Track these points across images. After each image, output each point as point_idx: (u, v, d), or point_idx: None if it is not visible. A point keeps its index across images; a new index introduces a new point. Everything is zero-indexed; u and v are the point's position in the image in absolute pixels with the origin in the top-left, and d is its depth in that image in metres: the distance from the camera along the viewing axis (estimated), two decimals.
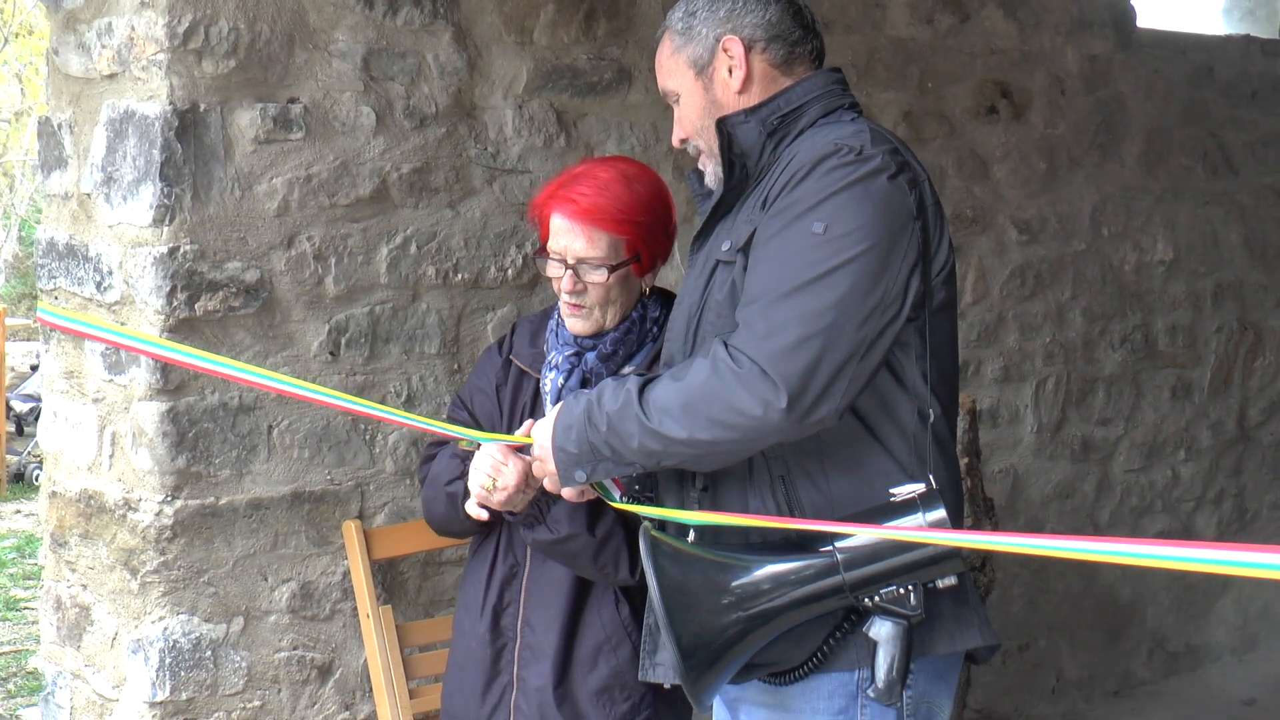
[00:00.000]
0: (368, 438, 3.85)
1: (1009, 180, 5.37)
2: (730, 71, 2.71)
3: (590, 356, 3.19)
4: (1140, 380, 5.86)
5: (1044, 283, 5.51)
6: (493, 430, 3.27)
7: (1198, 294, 6.03)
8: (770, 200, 2.57)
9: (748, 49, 2.71)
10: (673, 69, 2.78)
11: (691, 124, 2.78)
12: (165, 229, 3.51)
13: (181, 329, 3.53)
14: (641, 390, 2.56)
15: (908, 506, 2.45)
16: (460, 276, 3.98)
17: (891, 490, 2.49)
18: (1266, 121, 6.19)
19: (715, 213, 2.73)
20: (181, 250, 3.52)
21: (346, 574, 3.81)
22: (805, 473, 2.59)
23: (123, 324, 3.56)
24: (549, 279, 3.22)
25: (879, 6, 4.94)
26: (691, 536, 2.64)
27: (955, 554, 2.45)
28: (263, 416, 3.68)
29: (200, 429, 3.59)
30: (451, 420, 3.39)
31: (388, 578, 3.91)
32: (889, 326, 2.50)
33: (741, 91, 2.71)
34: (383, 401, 3.84)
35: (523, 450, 2.97)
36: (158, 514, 3.58)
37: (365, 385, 3.83)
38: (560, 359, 3.21)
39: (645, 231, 3.14)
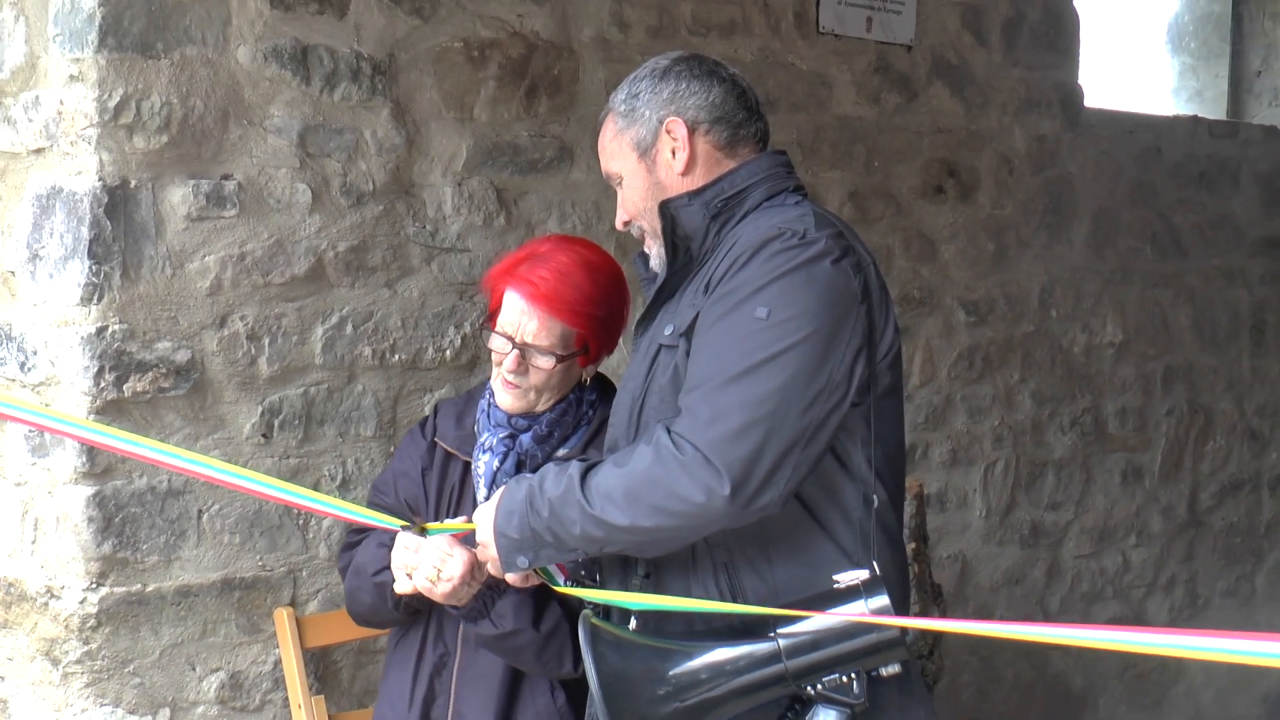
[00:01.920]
0: (300, 523, 3.85)
1: (956, 261, 5.46)
2: (674, 153, 2.76)
3: (525, 438, 3.21)
4: (1090, 464, 5.94)
5: (992, 365, 5.58)
6: (418, 516, 3.27)
7: (1147, 376, 6.12)
8: (713, 284, 2.61)
9: (691, 131, 2.76)
10: (615, 151, 2.83)
11: (635, 206, 2.82)
12: (93, 308, 3.52)
13: (109, 411, 3.53)
14: (584, 476, 2.58)
15: (850, 593, 2.48)
16: (397, 357, 4.01)
17: (835, 577, 2.52)
18: (1214, 203, 6.32)
19: (659, 296, 2.77)
20: (110, 330, 3.53)
21: (278, 663, 3.80)
22: (748, 560, 2.63)
23: (47, 404, 3.56)
24: (490, 350, 3.24)
25: (825, 85, 5.03)
26: (633, 624, 2.67)
27: (899, 641, 2.48)
28: (192, 501, 3.68)
29: (127, 514, 3.59)
30: (374, 507, 3.37)
31: (320, 667, 3.91)
32: (834, 412, 2.55)
33: (685, 173, 2.76)
34: (316, 486, 3.85)
35: (468, 540, 2.97)
36: (81, 602, 3.56)
37: (299, 468, 3.84)
38: (494, 441, 3.23)
39: (599, 326, 3.17)
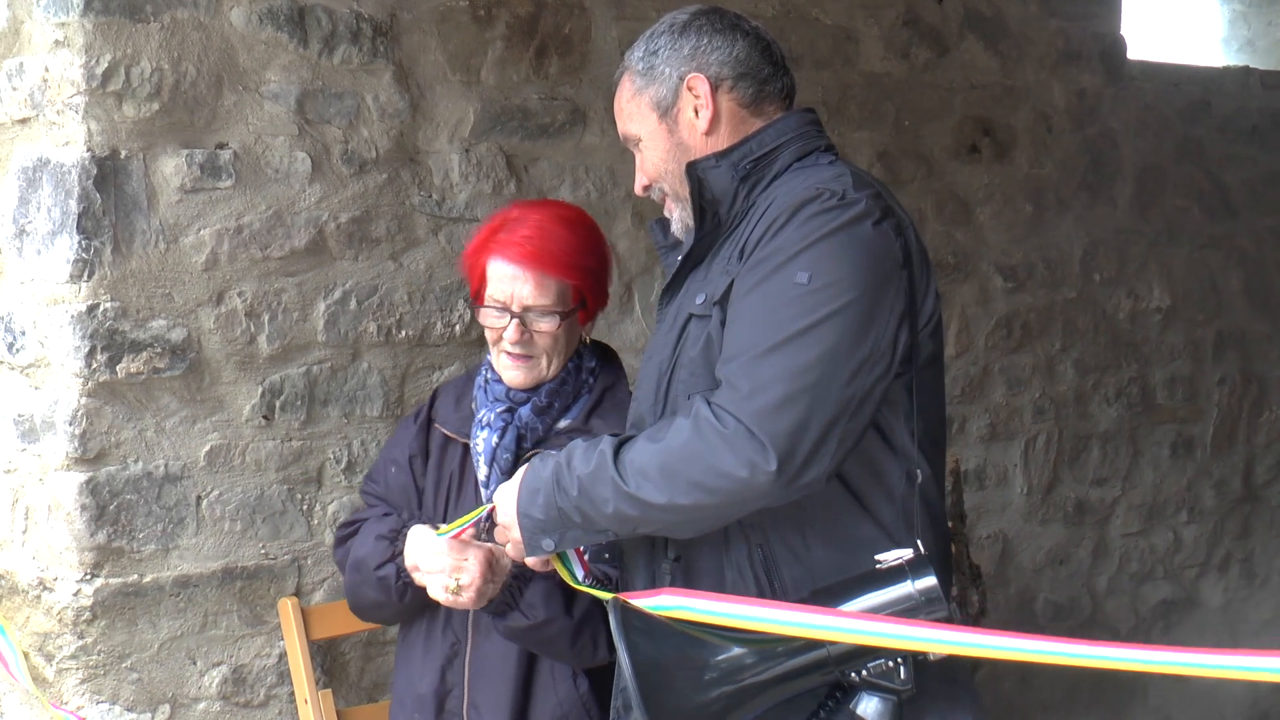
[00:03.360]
0: (305, 509, 3.87)
1: (993, 224, 5.45)
2: (696, 112, 2.77)
3: (524, 411, 3.24)
4: (1138, 437, 5.94)
5: (1032, 333, 5.58)
6: (405, 501, 3.35)
7: (1197, 343, 6.11)
8: (748, 250, 2.62)
9: (714, 87, 2.77)
10: (634, 112, 2.84)
11: (656, 169, 2.83)
12: (83, 285, 3.53)
13: (102, 392, 3.55)
14: (617, 452, 2.59)
15: (895, 574, 2.49)
16: (404, 333, 4.02)
17: (877, 556, 2.53)
18: (1266, 159, 6.30)
19: (685, 264, 2.78)
20: (101, 308, 3.54)
21: (283, 656, 3.82)
22: (785, 542, 2.63)
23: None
24: (489, 329, 3.26)
25: (851, 40, 5.02)
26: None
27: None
28: (191, 487, 3.70)
29: (122, 501, 3.61)
30: (366, 495, 3.48)
31: (327, 659, 3.93)
32: (879, 382, 2.55)
33: (709, 133, 2.76)
34: (321, 468, 3.87)
35: (478, 533, 2.98)
36: (75, 594, 3.59)
37: (302, 451, 3.86)
38: (491, 416, 3.25)
39: (592, 277, 3.24)
